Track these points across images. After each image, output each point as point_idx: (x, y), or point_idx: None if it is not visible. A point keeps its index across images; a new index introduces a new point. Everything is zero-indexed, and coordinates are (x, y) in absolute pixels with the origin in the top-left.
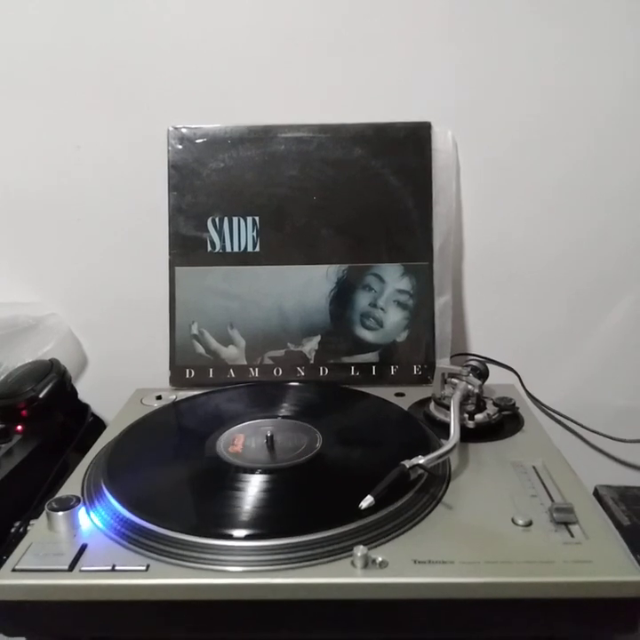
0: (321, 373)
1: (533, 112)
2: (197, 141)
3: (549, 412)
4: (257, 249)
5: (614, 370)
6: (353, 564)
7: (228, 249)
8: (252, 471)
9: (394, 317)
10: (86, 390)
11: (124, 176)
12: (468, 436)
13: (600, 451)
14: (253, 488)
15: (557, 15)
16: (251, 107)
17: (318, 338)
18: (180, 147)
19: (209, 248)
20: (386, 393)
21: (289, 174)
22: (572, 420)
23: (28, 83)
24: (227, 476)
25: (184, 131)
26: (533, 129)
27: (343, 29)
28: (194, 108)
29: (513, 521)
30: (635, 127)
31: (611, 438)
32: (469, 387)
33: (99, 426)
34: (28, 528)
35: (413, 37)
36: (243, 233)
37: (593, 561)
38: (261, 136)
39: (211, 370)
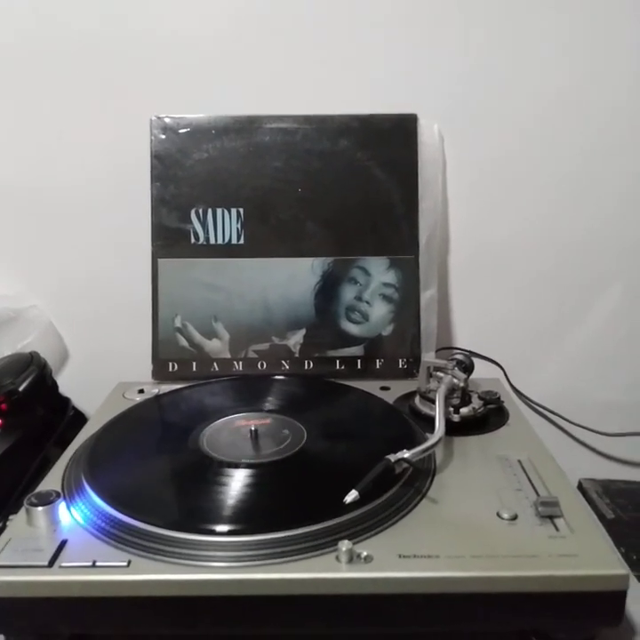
0: (306, 367)
1: (519, 105)
2: (181, 131)
3: (534, 405)
4: (241, 241)
5: (598, 364)
6: (337, 558)
7: (212, 241)
8: (236, 466)
9: (379, 311)
10: (67, 384)
11: (106, 166)
12: (453, 429)
13: (584, 444)
14: (237, 483)
15: (548, 7)
16: (235, 96)
17: (303, 331)
18: (163, 137)
19: (193, 240)
20: (371, 387)
21: (274, 165)
22: (556, 414)
23: (8, 70)
24: (210, 471)
25: (167, 120)
26: (519, 122)
27: (329, 19)
28: (177, 98)
29: (498, 515)
30: (622, 122)
31: (595, 432)
32: (455, 380)
33: (80, 420)
34: (7, 523)
35: (401, 29)
36: (227, 225)
37: (578, 555)
38: (246, 126)
39: (194, 363)
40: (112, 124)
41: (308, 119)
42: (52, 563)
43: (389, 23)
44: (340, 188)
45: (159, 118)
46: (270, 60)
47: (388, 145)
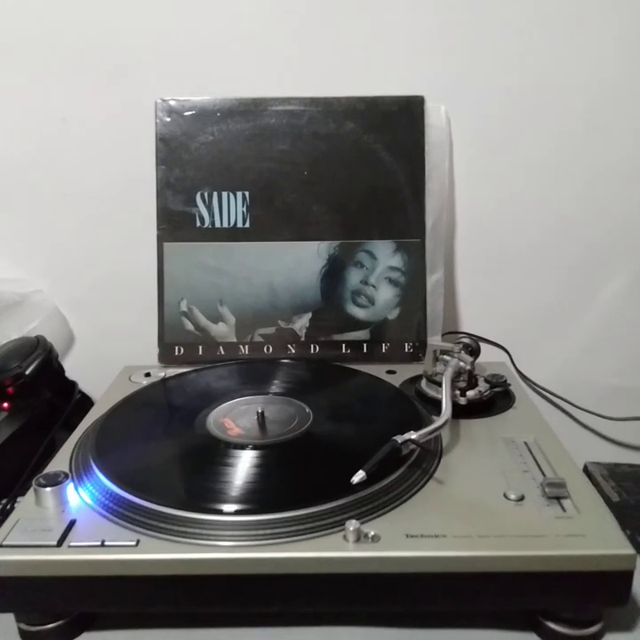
0: (312, 351)
1: (526, 87)
2: (186, 114)
3: (539, 389)
4: (247, 225)
5: (604, 348)
6: (345, 538)
7: (218, 224)
8: (243, 447)
9: (385, 295)
10: (73, 367)
11: (111, 149)
12: (459, 412)
13: (589, 428)
14: (244, 464)
15: None
16: (240, 78)
17: (309, 315)
18: (169, 119)
19: (198, 223)
20: (377, 370)
21: (279, 148)
22: (561, 398)
23: (11, 53)
24: (217, 452)
25: (172, 103)
26: (526, 105)
27: (336, 1)
28: (182, 80)
29: (505, 496)
30: (626, 103)
31: (600, 416)
32: (461, 363)
33: (86, 403)
34: (15, 505)
35: (408, 10)
36: (232, 208)
37: (585, 535)
38: (251, 109)
39: (200, 347)
40: (116, 107)
41: (313, 101)
42: (60, 542)
43: (396, 4)
44: (346, 170)
45: (164, 101)
46: (276, 41)
47: (395, 127)
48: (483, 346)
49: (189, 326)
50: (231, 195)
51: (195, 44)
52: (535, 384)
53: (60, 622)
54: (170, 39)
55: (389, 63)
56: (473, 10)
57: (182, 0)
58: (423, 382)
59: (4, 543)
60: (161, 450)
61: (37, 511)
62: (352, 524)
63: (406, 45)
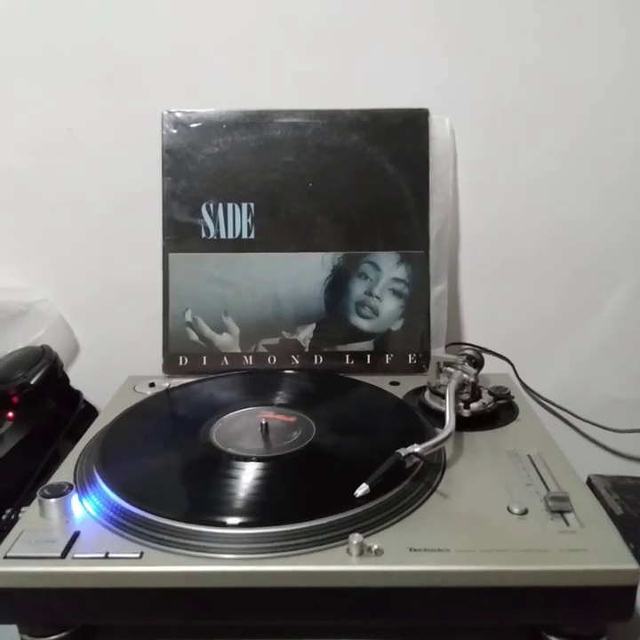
0: (315, 362)
1: (530, 99)
2: (192, 126)
3: (543, 401)
4: (252, 236)
5: (608, 360)
6: (348, 551)
7: (223, 236)
8: (246, 459)
9: (389, 306)
10: (78, 377)
11: (118, 160)
12: (463, 424)
13: (593, 440)
14: (248, 476)
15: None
16: (246, 91)
17: (313, 326)
18: (175, 131)
19: (203, 234)
20: (380, 382)
21: (284, 160)
22: (565, 410)
23: (19, 64)
24: (220, 464)
25: (178, 115)
26: (530, 117)
27: (340, 14)
28: (188, 92)
29: (508, 509)
30: (629, 113)
31: (604, 428)
32: (465, 375)
33: (91, 413)
34: (20, 516)
35: (412, 23)
36: (237, 219)
37: (588, 549)
38: (257, 121)
39: (204, 357)
40: (123, 118)
41: (318, 114)
42: (64, 554)
43: (400, 17)
44: (350, 182)
45: (170, 113)
46: (281, 54)
47: (399, 139)
48: (486, 357)
49: (194, 336)
50: (236, 206)
51: (201, 56)
52: (538, 396)
53: (63, 634)
54: (177, 51)
55: (394, 76)
56: (477, 22)
57: (189, 13)
58: (426, 394)
59: (9, 554)
60: (165, 461)
61: (41, 522)
62: (355, 538)
63: (411, 58)
